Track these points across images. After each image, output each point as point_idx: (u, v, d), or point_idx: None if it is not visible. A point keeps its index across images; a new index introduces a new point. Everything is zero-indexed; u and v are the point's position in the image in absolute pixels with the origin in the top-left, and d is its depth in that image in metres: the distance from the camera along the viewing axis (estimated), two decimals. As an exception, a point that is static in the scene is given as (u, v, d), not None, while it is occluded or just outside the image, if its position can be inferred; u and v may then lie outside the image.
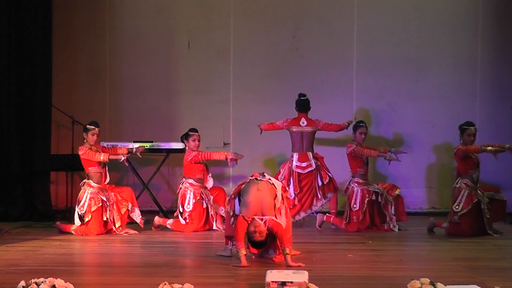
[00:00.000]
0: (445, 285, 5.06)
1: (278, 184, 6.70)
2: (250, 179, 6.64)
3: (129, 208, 8.49)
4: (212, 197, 8.74)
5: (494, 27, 10.37)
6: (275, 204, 6.49)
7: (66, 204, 9.85)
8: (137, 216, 8.52)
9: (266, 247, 6.57)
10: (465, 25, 10.40)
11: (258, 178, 6.61)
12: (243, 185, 6.65)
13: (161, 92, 10.51)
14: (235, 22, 10.49)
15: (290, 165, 9.11)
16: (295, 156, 9.12)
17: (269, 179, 6.65)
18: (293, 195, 9.00)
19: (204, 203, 8.68)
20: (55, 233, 8.39)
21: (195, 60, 10.49)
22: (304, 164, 9.07)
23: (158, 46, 10.50)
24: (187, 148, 8.81)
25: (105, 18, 10.48)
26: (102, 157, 8.33)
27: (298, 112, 9.18)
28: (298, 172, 9.05)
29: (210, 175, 8.87)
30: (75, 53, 10.43)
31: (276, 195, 6.54)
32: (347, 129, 9.20)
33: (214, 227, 8.66)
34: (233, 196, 6.72)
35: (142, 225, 8.59)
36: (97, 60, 10.48)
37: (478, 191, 8.24)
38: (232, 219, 6.63)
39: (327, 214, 8.98)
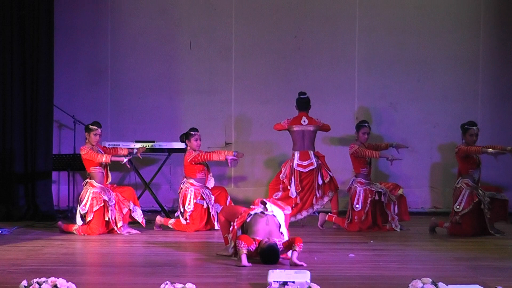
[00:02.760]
0: (447, 285, 5.07)
1: (281, 216, 6.74)
2: (256, 213, 6.64)
3: (131, 208, 8.48)
4: (213, 197, 8.73)
5: (495, 26, 10.35)
6: (281, 233, 6.64)
7: (68, 204, 9.86)
8: (139, 216, 8.52)
9: None
10: (466, 25, 10.39)
11: (265, 213, 6.64)
12: (248, 218, 6.64)
13: (163, 92, 10.50)
14: (236, 22, 10.49)
15: (291, 164, 9.10)
16: (296, 154, 9.11)
17: (272, 211, 6.69)
18: (294, 194, 9.00)
19: (205, 203, 8.67)
20: (57, 233, 8.39)
21: (197, 60, 10.49)
22: (305, 163, 9.06)
23: (159, 46, 10.49)
24: (188, 148, 8.81)
25: (107, 17, 10.48)
26: (104, 158, 8.33)
27: (298, 110, 9.18)
28: (299, 170, 9.05)
29: (211, 174, 8.86)
30: (77, 53, 10.42)
31: (280, 225, 6.68)
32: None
33: (216, 227, 8.65)
34: (236, 227, 6.68)
35: (144, 225, 8.59)
36: (99, 60, 10.47)
37: (479, 191, 8.24)
38: (232, 246, 6.63)
39: (329, 213, 8.97)
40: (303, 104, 9.15)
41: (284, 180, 9.06)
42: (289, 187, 9.03)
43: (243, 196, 10.31)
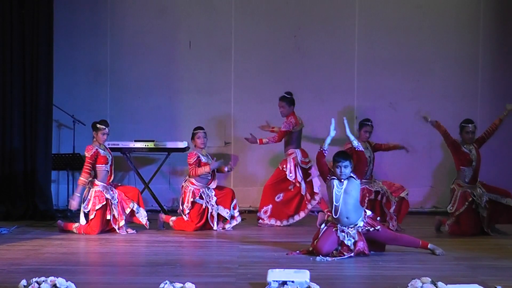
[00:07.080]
0: (446, 284, 5.07)
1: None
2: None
3: (134, 209, 8.42)
4: (215, 198, 8.66)
5: (495, 26, 10.36)
6: None
7: (67, 204, 9.84)
8: (143, 217, 8.44)
9: None
10: (466, 25, 10.39)
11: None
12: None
13: (162, 92, 10.50)
14: (236, 22, 10.49)
15: (295, 162, 9.05)
16: (298, 152, 9.10)
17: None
18: (304, 190, 8.99)
19: (204, 203, 8.64)
20: (56, 232, 8.38)
21: (197, 60, 10.48)
22: (307, 160, 9.09)
23: (159, 46, 10.49)
24: (195, 146, 8.74)
25: (107, 17, 10.48)
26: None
27: (293, 109, 9.17)
28: (303, 167, 9.05)
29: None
30: (77, 53, 10.41)
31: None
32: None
33: (215, 228, 8.62)
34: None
35: (147, 227, 8.51)
36: (98, 59, 10.47)
37: (478, 190, 8.22)
38: None
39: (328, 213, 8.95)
40: (293, 103, 9.18)
41: (291, 179, 9.00)
42: (297, 184, 9.00)
43: (243, 196, 10.29)
